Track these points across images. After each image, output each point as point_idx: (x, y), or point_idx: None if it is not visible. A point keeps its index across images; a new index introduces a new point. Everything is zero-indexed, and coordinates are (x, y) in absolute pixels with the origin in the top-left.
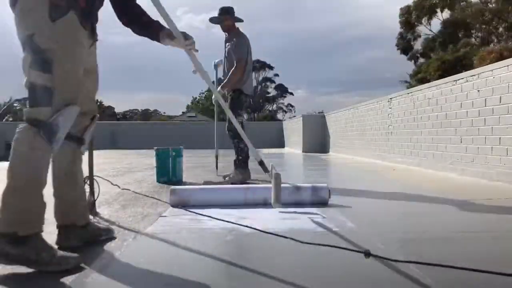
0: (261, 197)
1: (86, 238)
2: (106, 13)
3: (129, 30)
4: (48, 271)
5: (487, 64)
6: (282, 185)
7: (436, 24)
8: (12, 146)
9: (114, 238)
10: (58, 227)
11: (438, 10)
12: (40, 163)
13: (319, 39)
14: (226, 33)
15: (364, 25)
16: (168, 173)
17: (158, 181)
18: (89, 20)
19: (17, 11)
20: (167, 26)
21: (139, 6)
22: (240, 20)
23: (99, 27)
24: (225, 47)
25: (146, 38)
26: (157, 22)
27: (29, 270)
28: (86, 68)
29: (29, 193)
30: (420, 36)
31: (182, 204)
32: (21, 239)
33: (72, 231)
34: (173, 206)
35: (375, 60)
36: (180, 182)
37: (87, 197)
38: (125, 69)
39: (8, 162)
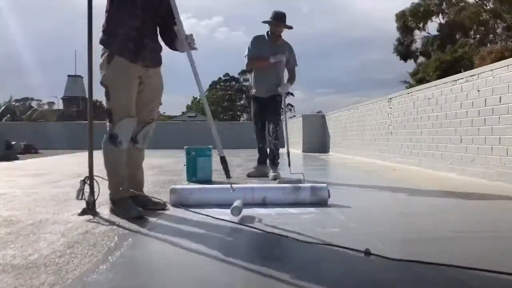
0: (260, 196)
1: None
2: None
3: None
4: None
5: (488, 64)
6: (282, 185)
7: (433, 26)
8: (102, 150)
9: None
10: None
11: (435, 14)
12: (116, 158)
13: (314, 42)
14: (270, 36)
15: (360, 29)
16: (189, 173)
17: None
18: (136, 54)
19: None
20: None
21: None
22: (291, 27)
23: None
24: (274, 48)
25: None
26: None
27: (31, 265)
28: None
29: (114, 176)
30: (416, 41)
31: (182, 204)
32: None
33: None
34: (173, 205)
35: (371, 62)
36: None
37: (87, 197)
38: None
39: None
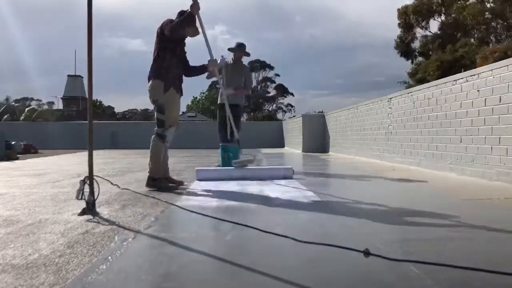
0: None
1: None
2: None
3: (131, 37)
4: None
5: (490, 63)
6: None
7: (435, 25)
8: (151, 144)
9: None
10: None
11: (436, 13)
12: (161, 150)
13: (307, 47)
14: (234, 59)
15: (349, 35)
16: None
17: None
18: (179, 88)
19: (149, 87)
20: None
21: (190, 67)
22: (248, 55)
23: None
24: (231, 68)
25: (146, 48)
26: (195, 66)
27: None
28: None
29: (157, 162)
30: (417, 38)
31: (205, 179)
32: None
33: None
34: (199, 179)
35: (362, 65)
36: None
37: (87, 197)
38: (128, 72)
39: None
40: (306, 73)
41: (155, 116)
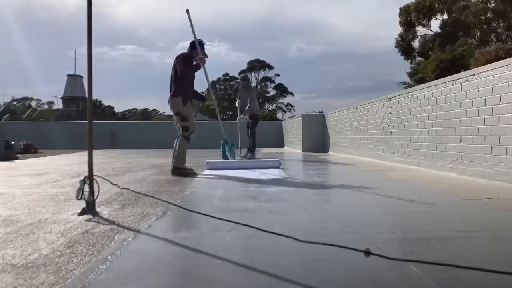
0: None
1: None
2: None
3: (134, 43)
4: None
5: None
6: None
7: (436, 24)
8: (178, 143)
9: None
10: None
11: (438, 12)
12: (186, 148)
13: (294, 55)
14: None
15: (337, 46)
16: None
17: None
18: (191, 101)
19: (170, 102)
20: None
21: (194, 90)
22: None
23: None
24: (244, 88)
25: (143, 48)
26: (197, 92)
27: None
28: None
29: (184, 156)
30: (417, 37)
31: (213, 169)
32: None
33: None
34: (208, 169)
35: (348, 71)
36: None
37: (87, 197)
38: (130, 74)
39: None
40: (298, 78)
41: (180, 123)
